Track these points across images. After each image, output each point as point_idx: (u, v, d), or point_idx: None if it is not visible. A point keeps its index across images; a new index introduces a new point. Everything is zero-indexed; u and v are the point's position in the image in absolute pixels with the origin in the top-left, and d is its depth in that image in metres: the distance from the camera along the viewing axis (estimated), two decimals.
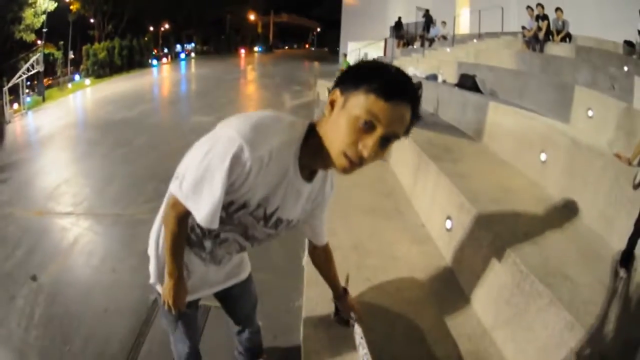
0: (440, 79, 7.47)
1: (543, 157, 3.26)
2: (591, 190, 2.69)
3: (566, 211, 2.81)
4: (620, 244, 2.20)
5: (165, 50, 29.22)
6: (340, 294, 1.84)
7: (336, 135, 0.99)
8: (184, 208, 1.08)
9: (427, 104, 6.32)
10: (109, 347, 2.33)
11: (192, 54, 30.81)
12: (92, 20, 23.96)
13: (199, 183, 1.02)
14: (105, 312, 2.61)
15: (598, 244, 2.40)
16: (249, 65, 22.98)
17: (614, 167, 2.56)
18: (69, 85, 18.11)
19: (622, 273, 2.01)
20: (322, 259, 1.66)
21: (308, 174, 1.14)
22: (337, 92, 0.99)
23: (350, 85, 0.97)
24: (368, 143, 0.97)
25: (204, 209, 1.04)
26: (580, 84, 4.57)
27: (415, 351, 2.12)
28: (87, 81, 19.44)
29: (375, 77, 0.97)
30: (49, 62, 20.53)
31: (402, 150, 4.51)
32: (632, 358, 1.54)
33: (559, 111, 4.39)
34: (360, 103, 0.95)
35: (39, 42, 19.48)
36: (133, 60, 23.27)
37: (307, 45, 53.58)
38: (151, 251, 1.38)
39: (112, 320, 2.54)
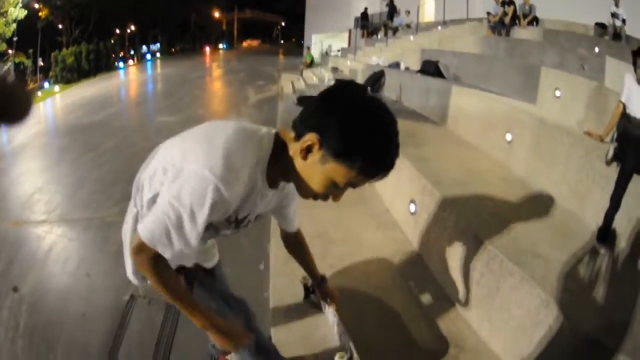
0: (402, 67, 7.47)
1: (509, 137, 3.27)
2: (560, 168, 2.69)
3: (534, 190, 2.82)
4: (595, 220, 2.21)
5: (132, 52, 28.58)
6: (318, 280, 1.85)
7: (310, 182, 1.02)
8: (150, 251, 1.02)
9: (389, 92, 6.31)
10: (89, 353, 2.34)
11: (158, 55, 30.14)
12: (60, 27, 23.50)
13: (175, 227, 0.98)
14: (84, 317, 2.62)
15: (571, 221, 2.40)
16: (214, 63, 22.78)
17: (583, 144, 2.55)
18: (39, 93, 17.61)
19: (602, 250, 2.03)
20: (295, 244, 1.66)
21: (274, 183, 1.14)
22: (315, 140, 0.95)
23: (331, 149, 0.94)
24: (339, 195, 1.05)
25: (182, 244, 1.01)
26: (548, 66, 4.60)
27: (388, 335, 2.12)
28: (57, 88, 18.91)
29: (359, 152, 0.93)
30: (19, 70, 20.11)
31: None
32: (620, 338, 1.52)
33: (525, 93, 4.41)
34: (341, 174, 0.96)
35: (10, 51, 19.09)
36: (100, 64, 22.79)
37: (271, 40, 53.06)
38: (125, 249, 1.31)
39: (90, 325, 2.54)
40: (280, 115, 7.18)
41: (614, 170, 2.12)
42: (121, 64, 24.43)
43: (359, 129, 0.92)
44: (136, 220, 1.21)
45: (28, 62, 21.69)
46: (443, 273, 2.50)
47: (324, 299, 1.90)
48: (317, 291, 1.91)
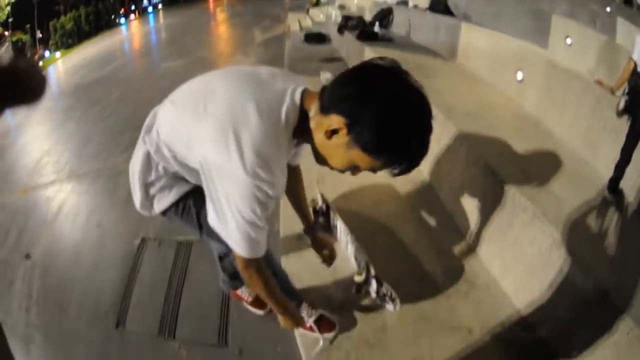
0: (411, 4, 7.12)
1: (519, 76, 3.15)
2: (571, 113, 2.57)
3: (545, 130, 2.72)
4: (606, 170, 2.11)
5: (133, 7, 27.92)
6: (310, 225, 1.76)
7: (329, 159, 1.04)
8: (254, 261, 1.16)
9: (398, 28, 6.14)
10: (102, 304, 2.29)
11: (160, 6, 29.33)
12: None
13: (253, 228, 1.07)
14: (96, 268, 2.58)
15: (581, 166, 2.31)
16: (218, 8, 22.00)
17: (595, 91, 2.42)
18: (40, 64, 17.53)
19: (611, 198, 2.00)
20: (292, 177, 1.59)
21: (298, 143, 1.18)
22: (343, 126, 0.94)
23: (360, 142, 0.94)
24: (356, 173, 1.06)
25: (266, 230, 1.13)
26: (558, 15, 4.36)
27: (398, 268, 2.08)
28: (58, 54, 18.73)
29: (391, 151, 0.94)
30: (17, 47, 20.31)
31: None
32: (629, 296, 1.48)
33: (535, 37, 4.09)
34: (365, 161, 0.97)
35: (5, 33, 19.32)
36: (101, 24, 22.51)
37: None
38: (134, 182, 1.35)
39: (102, 276, 2.50)
40: (287, 53, 6.92)
41: (624, 123, 2.07)
42: (122, 20, 23.99)
43: (395, 131, 0.91)
44: (147, 156, 1.27)
45: (26, 38, 21.79)
46: (454, 204, 2.42)
47: (317, 244, 1.80)
48: (310, 238, 1.80)
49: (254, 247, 1.11)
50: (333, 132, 0.96)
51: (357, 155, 0.96)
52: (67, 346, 2.09)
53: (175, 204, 1.37)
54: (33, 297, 2.43)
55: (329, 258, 1.82)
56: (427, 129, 0.94)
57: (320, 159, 1.07)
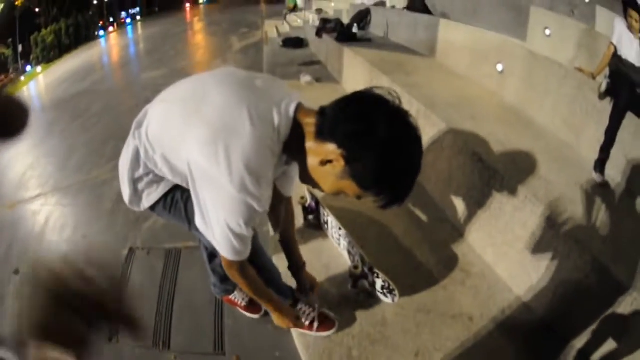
0: (388, 4, 7.15)
1: (500, 67, 3.14)
2: (553, 99, 2.57)
3: (528, 118, 2.72)
4: (590, 152, 2.09)
5: (111, 20, 27.62)
6: (298, 264, 1.71)
7: (319, 182, 1.05)
8: (238, 262, 1.16)
9: (376, 29, 6.11)
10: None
11: (138, 18, 29.04)
12: (37, 10, 22.86)
13: (238, 238, 1.08)
14: None
15: (566, 150, 2.30)
16: (195, 17, 21.96)
17: (576, 77, 2.42)
18: (22, 78, 17.28)
19: (600, 180, 2.00)
20: (282, 209, 1.59)
21: (287, 162, 1.18)
22: (340, 159, 0.95)
23: (357, 178, 0.96)
24: (340, 196, 1.07)
25: (250, 235, 1.12)
26: (537, 6, 4.37)
27: (392, 260, 2.03)
28: (39, 68, 18.45)
29: (384, 190, 0.97)
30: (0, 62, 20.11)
31: (353, 69, 4.34)
32: (630, 270, 1.46)
33: (514, 30, 4.21)
34: (355, 191, 1.00)
35: None
36: (81, 36, 22.18)
37: None
38: (123, 177, 1.33)
39: None
40: (266, 59, 6.89)
41: (607, 105, 2.09)
42: (102, 33, 23.68)
43: (392, 174, 0.94)
44: (136, 151, 1.23)
45: (8, 52, 21.37)
46: (442, 195, 2.39)
47: (303, 287, 1.74)
48: (295, 277, 1.74)
49: (238, 251, 1.11)
50: (329, 161, 0.97)
51: (348, 186, 0.99)
52: None
53: (164, 199, 1.33)
54: None
55: (309, 292, 1.77)
56: (418, 172, 0.98)
57: (307, 180, 1.07)
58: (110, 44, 18.89)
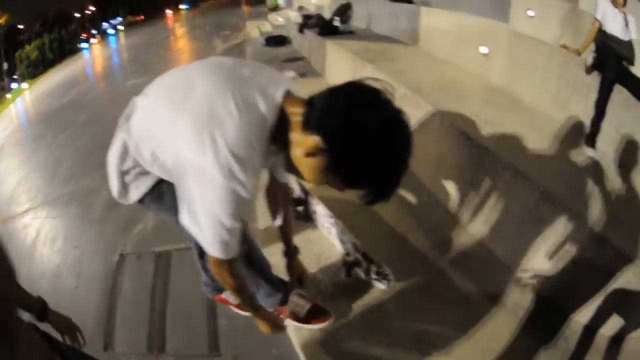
0: None
1: (484, 50, 3.09)
2: (539, 77, 2.51)
3: (515, 97, 2.66)
4: (581, 127, 2.09)
5: (94, 32, 27.43)
6: (291, 249, 1.66)
7: (303, 173, 1.00)
8: (226, 262, 1.10)
9: (359, 21, 6.02)
10: (87, 327, 2.09)
11: (120, 27, 28.88)
12: (21, 27, 22.94)
13: (227, 231, 1.01)
14: (76, 289, 2.43)
15: (555, 126, 2.23)
16: (177, 23, 22.00)
17: (562, 53, 2.36)
18: (8, 96, 17.11)
19: (592, 153, 1.97)
20: (280, 196, 1.57)
21: (275, 152, 1.09)
22: (324, 150, 0.90)
23: (338, 173, 0.93)
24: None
25: (239, 228, 1.05)
26: None
27: (387, 246, 1.96)
28: (25, 85, 18.37)
29: (366, 186, 0.94)
30: None
31: (336, 62, 4.28)
32: (630, 240, 1.42)
33: (496, 13, 4.16)
34: (339, 187, 0.97)
35: None
36: (64, 50, 22.20)
37: None
38: (111, 170, 1.27)
39: (84, 297, 2.35)
40: (249, 58, 6.83)
41: (594, 79, 2.04)
42: (85, 45, 23.61)
43: (377, 172, 0.91)
44: (124, 144, 1.18)
45: None
46: (433, 179, 2.32)
47: (292, 272, 1.69)
48: (286, 265, 1.70)
49: (226, 248, 1.06)
50: (313, 154, 0.92)
51: (332, 179, 0.95)
52: None
53: (151, 191, 1.28)
54: None
55: (297, 281, 1.71)
56: (405, 170, 0.93)
57: (292, 170, 1.03)
58: (94, 55, 18.86)
